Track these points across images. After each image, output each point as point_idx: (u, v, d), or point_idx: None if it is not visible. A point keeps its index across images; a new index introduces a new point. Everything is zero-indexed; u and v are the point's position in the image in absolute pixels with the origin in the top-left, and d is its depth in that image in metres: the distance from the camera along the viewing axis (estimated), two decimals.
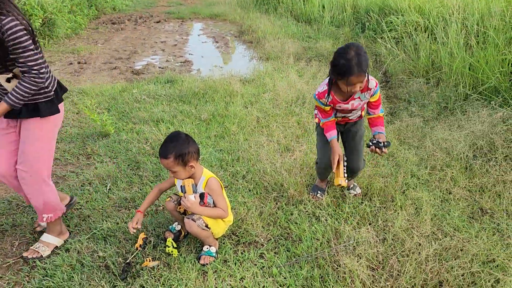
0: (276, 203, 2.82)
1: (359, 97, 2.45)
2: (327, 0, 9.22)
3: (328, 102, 2.49)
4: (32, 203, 2.37)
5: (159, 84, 5.36)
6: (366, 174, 3.07)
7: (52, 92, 2.28)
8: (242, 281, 2.18)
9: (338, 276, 2.16)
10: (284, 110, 4.36)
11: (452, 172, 3.03)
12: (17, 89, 2.11)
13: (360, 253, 2.27)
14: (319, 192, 2.89)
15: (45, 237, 2.45)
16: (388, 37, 6.14)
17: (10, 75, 2.17)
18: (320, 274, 2.19)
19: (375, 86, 2.42)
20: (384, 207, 2.73)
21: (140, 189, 3.00)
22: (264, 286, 2.14)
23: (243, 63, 6.70)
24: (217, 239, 2.43)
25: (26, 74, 2.10)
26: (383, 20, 6.76)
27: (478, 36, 4.73)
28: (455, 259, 2.22)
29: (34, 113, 2.24)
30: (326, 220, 2.61)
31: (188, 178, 2.29)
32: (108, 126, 3.86)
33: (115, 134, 3.87)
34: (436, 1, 6.15)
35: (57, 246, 2.46)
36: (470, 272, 2.13)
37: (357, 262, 2.19)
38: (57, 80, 2.40)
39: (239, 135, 3.80)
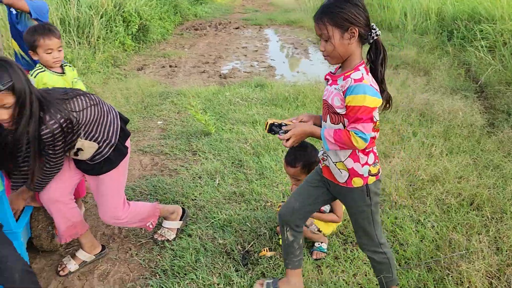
0: (380, 207, 2.89)
1: (337, 84, 1.70)
2: (409, 8, 9.06)
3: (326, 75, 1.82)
4: (137, 227, 2.60)
5: (249, 87, 5.63)
6: (470, 183, 3.04)
7: (114, 140, 2.20)
8: (355, 277, 2.29)
9: (453, 281, 2.20)
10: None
11: None
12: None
13: (473, 262, 2.29)
14: None
15: (165, 223, 2.72)
16: (480, 45, 5.94)
17: (75, 149, 2.12)
18: (433, 277, 2.24)
19: (359, 80, 1.60)
20: (494, 218, 2.70)
21: (247, 186, 3.21)
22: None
23: (325, 70, 6.80)
24: (325, 235, 2.56)
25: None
26: (475, 28, 6.53)
27: None
28: None
29: (109, 167, 2.23)
30: (433, 226, 2.65)
31: None
32: (210, 125, 4.15)
33: (216, 133, 4.15)
34: None
35: (178, 229, 2.72)
36: None
37: (472, 269, 2.20)
38: (117, 113, 2.28)
39: None
